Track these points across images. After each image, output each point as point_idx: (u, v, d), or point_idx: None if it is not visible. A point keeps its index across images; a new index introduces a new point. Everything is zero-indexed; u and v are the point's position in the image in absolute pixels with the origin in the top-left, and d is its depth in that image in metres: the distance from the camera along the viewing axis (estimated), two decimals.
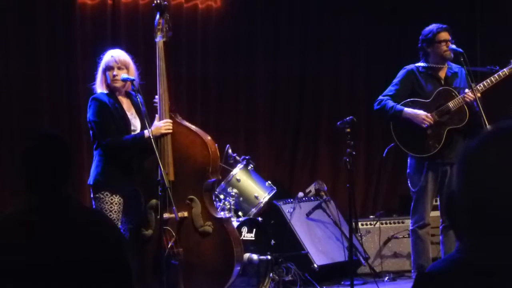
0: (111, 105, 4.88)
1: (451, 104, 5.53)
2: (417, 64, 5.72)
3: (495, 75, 5.43)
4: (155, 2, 5.09)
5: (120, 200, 4.85)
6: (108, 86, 4.94)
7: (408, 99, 5.65)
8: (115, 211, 4.82)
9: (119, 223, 4.83)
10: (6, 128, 6.43)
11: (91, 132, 4.96)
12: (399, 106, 5.61)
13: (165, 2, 5.10)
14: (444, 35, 5.58)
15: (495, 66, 5.50)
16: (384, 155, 6.51)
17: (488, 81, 5.44)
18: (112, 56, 4.94)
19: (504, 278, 1.45)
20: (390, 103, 5.64)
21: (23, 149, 2.14)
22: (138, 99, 4.80)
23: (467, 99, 5.45)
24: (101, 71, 4.95)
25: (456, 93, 5.55)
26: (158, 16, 5.06)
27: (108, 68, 4.92)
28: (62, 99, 6.71)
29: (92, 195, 4.92)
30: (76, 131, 6.59)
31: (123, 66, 4.92)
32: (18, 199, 2.10)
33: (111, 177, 4.83)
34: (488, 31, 7.71)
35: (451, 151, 5.58)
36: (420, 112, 5.56)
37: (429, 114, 5.54)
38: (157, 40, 5.03)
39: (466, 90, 5.48)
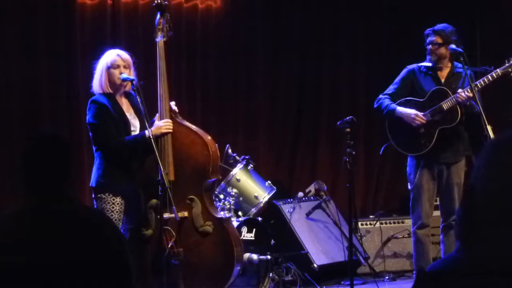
0: (110, 106, 4.87)
1: (444, 103, 5.55)
2: (419, 64, 5.76)
3: (488, 75, 5.44)
4: (155, 1, 5.08)
5: (122, 200, 4.85)
6: (112, 84, 4.92)
7: (403, 98, 5.70)
8: (116, 211, 4.81)
9: (121, 223, 4.83)
10: (6, 128, 6.43)
11: (90, 134, 4.95)
12: (392, 105, 5.66)
13: (166, 2, 5.10)
14: (431, 37, 5.62)
15: (490, 66, 5.51)
16: (381, 153, 6.53)
17: (481, 81, 5.45)
18: (118, 55, 4.92)
19: (504, 278, 1.45)
20: (386, 101, 5.69)
21: (23, 149, 2.14)
22: (138, 99, 4.79)
23: (459, 99, 5.47)
24: (104, 69, 4.91)
25: (450, 93, 5.56)
26: (158, 16, 5.06)
27: (114, 66, 4.89)
28: (62, 99, 6.71)
29: (93, 196, 4.91)
30: (76, 131, 6.59)
31: (128, 65, 4.92)
32: (18, 199, 2.10)
33: (113, 179, 4.83)
34: (488, 31, 7.71)
35: (445, 151, 5.61)
36: (412, 111, 5.60)
37: (420, 114, 5.57)
38: (157, 40, 5.03)
39: (459, 91, 5.50)
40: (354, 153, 5.45)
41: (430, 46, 5.64)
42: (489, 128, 5.15)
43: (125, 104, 4.99)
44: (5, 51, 6.51)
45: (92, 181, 4.89)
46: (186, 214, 4.89)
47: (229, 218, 5.23)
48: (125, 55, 4.96)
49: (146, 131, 4.77)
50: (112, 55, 4.93)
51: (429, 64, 5.70)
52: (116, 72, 4.89)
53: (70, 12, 6.75)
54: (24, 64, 6.55)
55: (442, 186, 5.66)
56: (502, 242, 1.47)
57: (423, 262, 5.69)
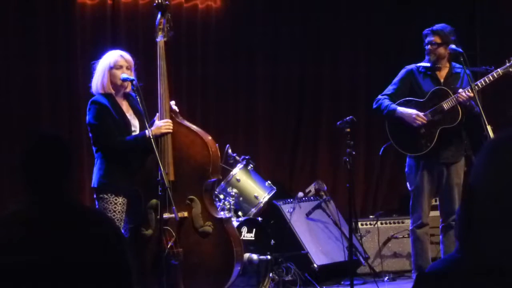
0: (111, 106, 4.87)
1: (444, 103, 5.55)
2: (418, 64, 5.76)
3: (489, 75, 5.44)
4: (156, 1, 5.08)
5: (123, 200, 4.85)
6: (113, 85, 4.91)
7: (403, 99, 5.69)
8: (118, 211, 4.81)
9: (122, 223, 4.83)
10: (6, 128, 6.43)
11: (90, 134, 4.94)
12: (393, 106, 5.66)
13: (167, 2, 5.09)
14: (430, 37, 5.62)
15: (490, 66, 5.51)
16: (380, 153, 6.52)
17: (482, 81, 5.45)
18: (121, 56, 4.92)
19: (504, 278, 1.45)
20: (386, 102, 5.69)
21: (23, 149, 2.14)
22: (137, 99, 4.79)
23: (460, 99, 5.48)
24: (106, 70, 4.90)
25: (451, 93, 5.57)
26: (159, 16, 5.05)
27: (117, 67, 4.88)
28: (62, 99, 6.72)
29: (95, 196, 4.91)
30: (76, 131, 6.59)
31: (130, 66, 4.92)
32: (18, 199, 2.10)
33: (114, 179, 4.82)
34: (488, 31, 7.71)
35: (446, 151, 5.61)
36: (412, 112, 5.60)
37: (420, 114, 5.57)
38: (158, 39, 5.02)
39: (460, 90, 5.50)
40: (354, 153, 5.45)
41: (429, 46, 5.64)
42: (489, 128, 5.15)
43: (124, 105, 4.99)
44: (6, 51, 6.51)
45: (94, 182, 4.88)
46: (186, 214, 4.89)
47: (229, 218, 5.22)
48: (127, 56, 4.96)
49: (146, 131, 4.77)
50: (115, 56, 4.92)
51: (428, 64, 5.70)
52: (118, 72, 4.89)
53: (70, 12, 6.75)
54: (24, 64, 6.55)
55: (442, 186, 5.66)
56: (502, 242, 1.47)
57: (422, 261, 5.70)
